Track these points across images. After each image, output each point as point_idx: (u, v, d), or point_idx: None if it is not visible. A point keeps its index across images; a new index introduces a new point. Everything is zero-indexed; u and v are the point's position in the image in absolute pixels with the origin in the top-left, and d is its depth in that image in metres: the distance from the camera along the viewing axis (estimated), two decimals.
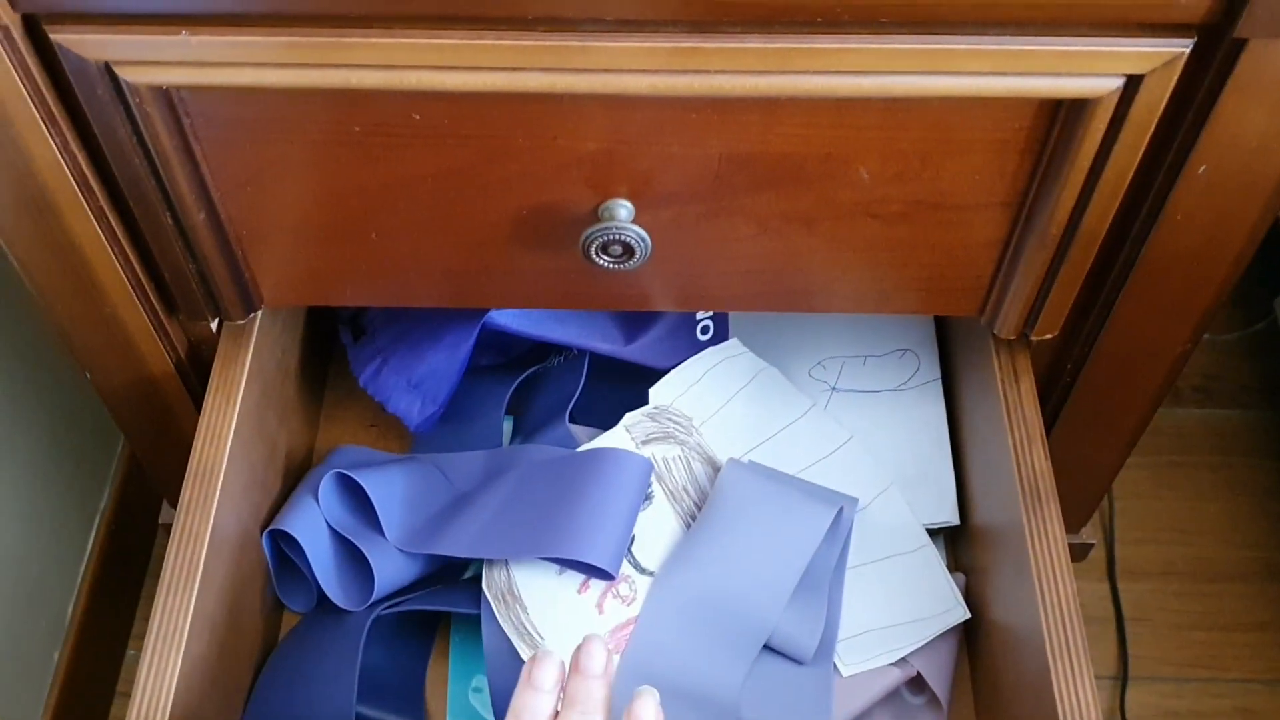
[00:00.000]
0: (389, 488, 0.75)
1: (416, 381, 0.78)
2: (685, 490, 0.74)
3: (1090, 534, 0.94)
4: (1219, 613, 1.08)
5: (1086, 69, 0.52)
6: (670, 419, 0.77)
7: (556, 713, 0.54)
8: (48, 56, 0.54)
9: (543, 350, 0.84)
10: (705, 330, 0.82)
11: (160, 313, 0.68)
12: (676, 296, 0.68)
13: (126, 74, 0.53)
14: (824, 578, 0.71)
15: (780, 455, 0.77)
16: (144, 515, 1.04)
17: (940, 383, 0.82)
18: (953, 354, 0.82)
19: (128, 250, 0.64)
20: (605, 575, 0.70)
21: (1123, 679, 1.04)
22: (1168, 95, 0.53)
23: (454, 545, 0.72)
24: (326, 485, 0.74)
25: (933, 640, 0.73)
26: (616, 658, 0.69)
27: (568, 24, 0.51)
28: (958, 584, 0.75)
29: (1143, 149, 0.56)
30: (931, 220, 0.62)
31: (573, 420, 0.79)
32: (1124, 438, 0.77)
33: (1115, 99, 0.53)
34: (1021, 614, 0.64)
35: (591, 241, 0.60)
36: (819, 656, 0.70)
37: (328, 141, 0.58)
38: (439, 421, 0.80)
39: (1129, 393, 0.72)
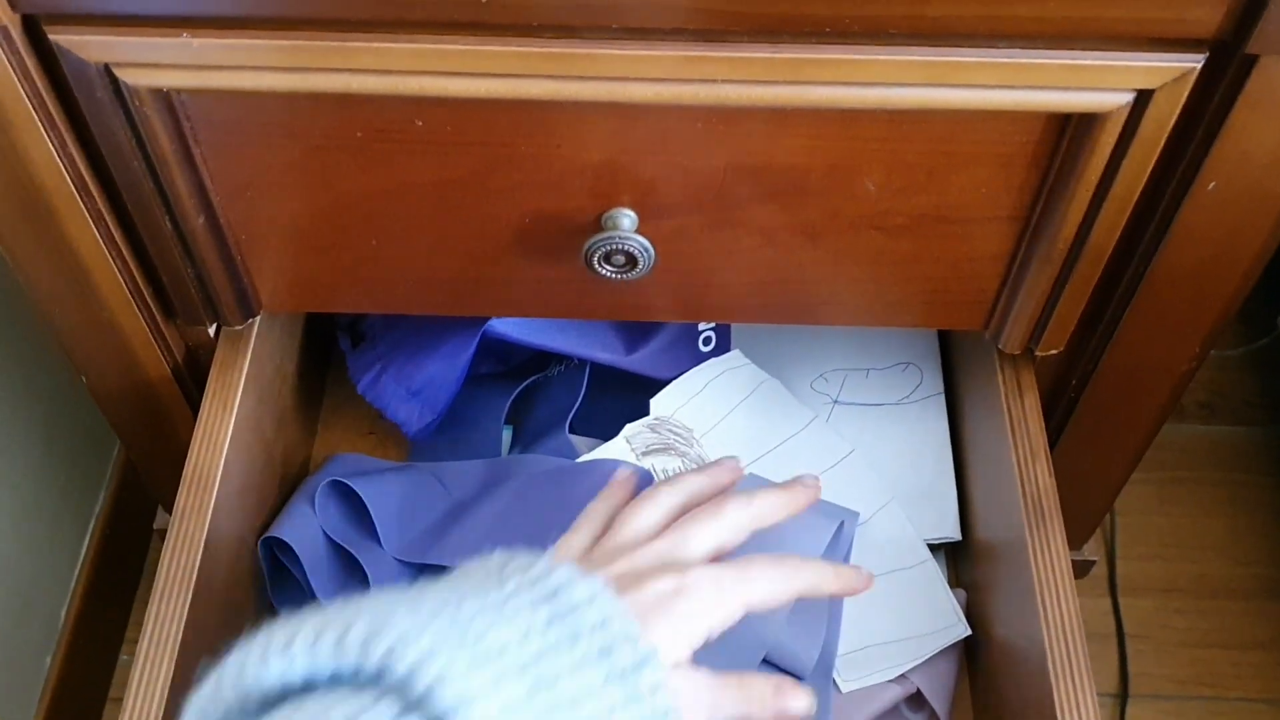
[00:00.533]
0: (386, 496, 0.75)
1: (416, 389, 0.78)
2: None
3: (1092, 550, 0.94)
4: (1221, 630, 1.07)
5: (1096, 83, 0.52)
6: (671, 430, 0.76)
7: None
8: (47, 58, 0.53)
9: (542, 360, 0.83)
10: (707, 341, 0.82)
11: (158, 317, 0.68)
12: (679, 307, 0.67)
13: (126, 76, 0.53)
14: None
15: (781, 468, 0.77)
16: (139, 521, 1.03)
17: (943, 397, 0.81)
18: (956, 368, 0.81)
19: (126, 254, 0.63)
20: None
21: (1123, 696, 1.03)
22: (1178, 111, 0.53)
23: (452, 555, 0.71)
24: (323, 493, 0.74)
25: (933, 657, 0.72)
26: None
27: (573, 31, 0.51)
28: (959, 600, 0.74)
29: (1151, 165, 0.56)
30: (937, 233, 0.61)
31: (573, 431, 0.78)
32: (1128, 454, 0.77)
33: (1124, 114, 0.53)
34: (1024, 630, 0.64)
35: (594, 251, 0.60)
36: (817, 671, 0.70)
37: (329, 147, 0.58)
38: (437, 430, 0.79)
39: (1134, 409, 0.72)
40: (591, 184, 0.59)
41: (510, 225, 0.62)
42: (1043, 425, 0.68)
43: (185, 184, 0.59)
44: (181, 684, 0.60)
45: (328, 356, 0.89)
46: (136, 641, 0.61)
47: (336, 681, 0.41)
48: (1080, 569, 0.95)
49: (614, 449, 0.75)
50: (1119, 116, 0.53)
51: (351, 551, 0.72)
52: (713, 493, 0.59)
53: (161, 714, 0.59)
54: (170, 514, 0.65)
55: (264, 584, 0.74)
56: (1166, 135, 0.54)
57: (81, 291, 0.64)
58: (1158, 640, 1.06)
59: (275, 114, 0.56)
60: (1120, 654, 1.05)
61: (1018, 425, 0.68)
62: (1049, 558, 0.63)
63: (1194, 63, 0.51)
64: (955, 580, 0.78)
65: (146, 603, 0.62)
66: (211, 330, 0.70)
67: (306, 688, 0.41)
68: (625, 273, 0.61)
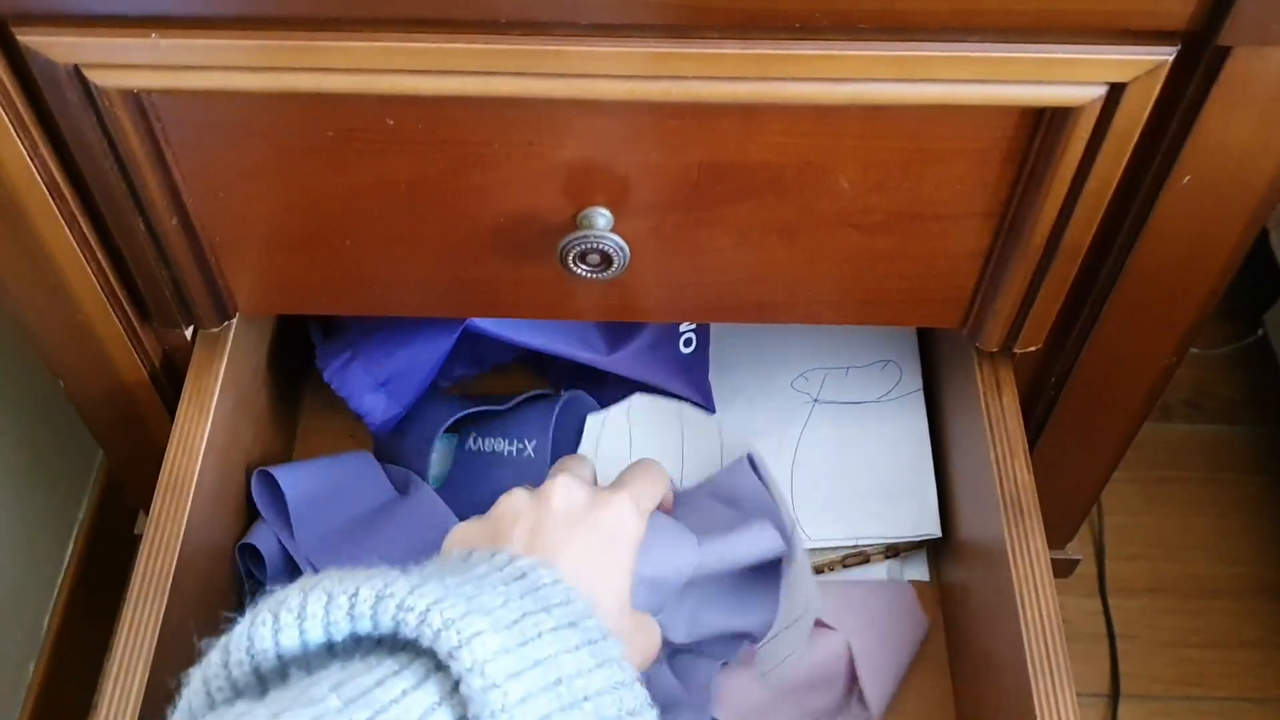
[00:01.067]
0: (309, 485, 0.74)
1: (384, 380, 0.77)
2: None
3: (1077, 549, 0.93)
4: (1209, 630, 1.07)
5: (1068, 77, 0.52)
6: None
7: None
8: (15, 59, 0.53)
9: (524, 365, 0.83)
10: (688, 343, 0.81)
11: (133, 320, 0.67)
12: (656, 307, 0.67)
13: (96, 77, 0.53)
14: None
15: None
16: (122, 527, 1.02)
17: (922, 394, 0.81)
18: (935, 365, 0.81)
19: (100, 257, 0.63)
20: None
21: (1114, 697, 1.03)
22: (1151, 104, 0.53)
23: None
24: (256, 485, 0.73)
25: (882, 646, 0.72)
26: None
27: (541, 28, 0.51)
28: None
29: (1126, 159, 0.55)
30: (913, 231, 0.61)
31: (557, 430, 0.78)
32: (1109, 452, 0.76)
33: (1098, 108, 0.53)
34: (1003, 629, 0.64)
35: (569, 250, 0.59)
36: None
37: (300, 147, 0.57)
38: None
39: (1114, 406, 0.72)
40: (565, 183, 0.59)
41: (484, 225, 0.61)
42: (1021, 423, 0.68)
43: (158, 185, 0.59)
44: (157, 689, 0.60)
45: (306, 360, 0.88)
46: None
47: (358, 643, 0.43)
48: (1065, 568, 0.94)
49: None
50: (1092, 110, 0.53)
51: (283, 541, 0.72)
52: None
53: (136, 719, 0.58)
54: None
55: (241, 589, 0.74)
56: (1140, 128, 0.54)
57: (55, 295, 0.63)
58: (1146, 640, 1.06)
59: (246, 114, 0.56)
60: (1110, 654, 1.05)
61: (996, 423, 0.68)
62: (1028, 556, 0.63)
63: (1166, 55, 0.51)
64: (936, 578, 0.78)
65: None
66: (188, 333, 0.70)
67: (321, 652, 0.43)
68: (600, 272, 0.61)
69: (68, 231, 0.60)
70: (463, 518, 0.61)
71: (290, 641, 0.43)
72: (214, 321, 0.68)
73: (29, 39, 0.51)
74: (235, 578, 0.73)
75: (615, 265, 0.60)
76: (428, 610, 0.42)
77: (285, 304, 0.68)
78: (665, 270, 0.64)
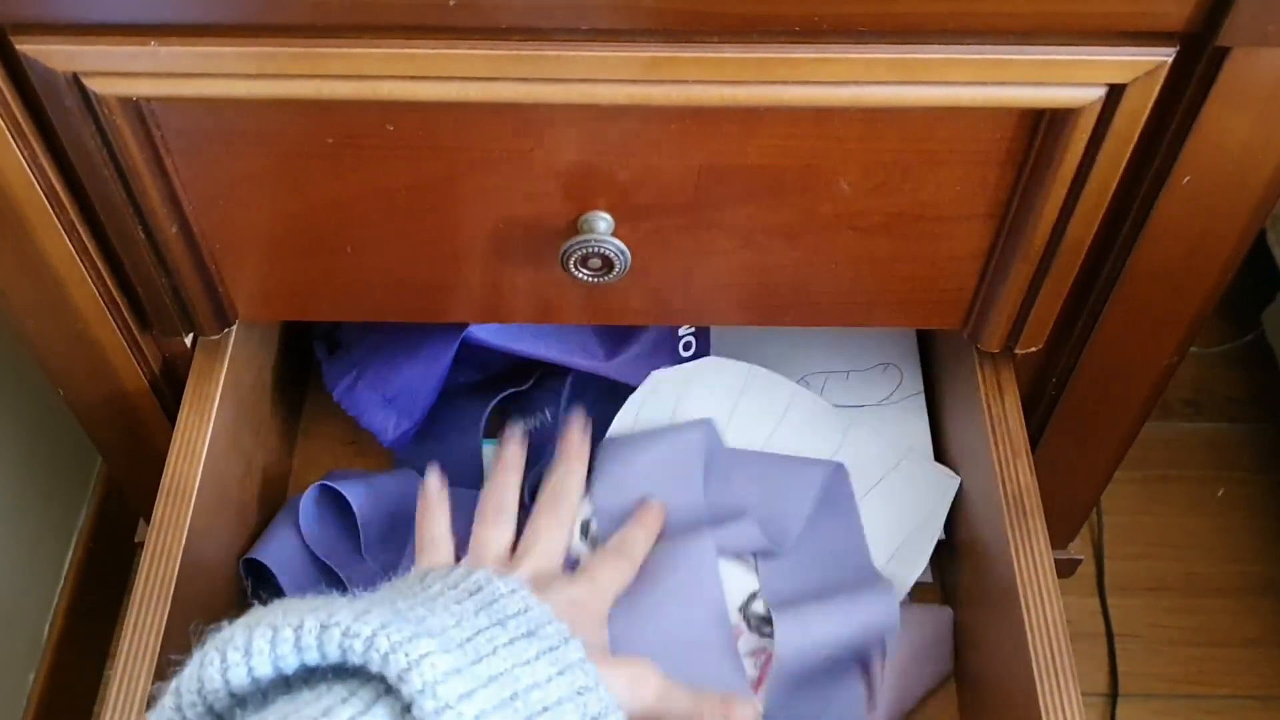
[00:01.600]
0: (375, 501, 0.74)
1: (391, 396, 0.77)
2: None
3: (1079, 549, 0.94)
4: (1210, 628, 1.07)
5: (1068, 78, 0.52)
6: None
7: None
8: (14, 67, 0.53)
9: (523, 370, 0.83)
10: (688, 346, 0.81)
11: (133, 328, 0.67)
12: (657, 310, 0.67)
13: (95, 85, 0.53)
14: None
15: (747, 430, 0.77)
16: (122, 535, 1.03)
17: (923, 396, 0.81)
18: (936, 367, 0.81)
19: (99, 265, 0.63)
20: None
21: (1113, 696, 1.03)
22: (1150, 105, 0.53)
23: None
24: (308, 501, 0.73)
25: (908, 668, 0.72)
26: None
27: (541, 34, 0.51)
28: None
29: (1126, 159, 0.55)
30: (913, 232, 0.61)
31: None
32: (1111, 451, 0.76)
33: (1097, 109, 0.53)
34: (1006, 631, 0.64)
35: (570, 254, 0.60)
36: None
37: (300, 153, 0.57)
38: (416, 440, 0.79)
39: (1115, 406, 0.72)
40: (566, 187, 0.59)
41: (485, 230, 0.61)
42: (1023, 423, 0.68)
43: (157, 193, 0.58)
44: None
45: (307, 366, 0.88)
46: None
47: (311, 674, 0.43)
48: (1067, 568, 0.94)
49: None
50: (1092, 111, 0.53)
51: (334, 568, 0.72)
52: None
53: None
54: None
55: (244, 597, 0.74)
56: (1140, 129, 0.54)
57: (55, 304, 0.63)
58: (1147, 639, 1.06)
59: (246, 121, 0.56)
60: (1110, 653, 1.05)
61: (998, 424, 0.68)
62: (1031, 557, 0.63)
63: (1165, 56, 0.51)
64: (939, 579, 0.78)
65: None
66: (188, 341, 0.70)
67: (274, 685, 0.43)
68: (602, 276, 0.61)
69: (67, 240, 0.60)
70: None
71: (240, 679, 0.42)
72: (214, 329, 0.68)
73: (28, 48, 0.51)
74: (236, 583, 0.73)
75: (616, 269, 0.60)
76: (373, 636, 0.42)
77: (286, 310, 0.67)
78: (666, 274, 0.64)
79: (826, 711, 0.69)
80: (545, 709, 0.44)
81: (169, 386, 0.72)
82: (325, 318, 0.69)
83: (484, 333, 0.76)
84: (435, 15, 0.50)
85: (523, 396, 0.82)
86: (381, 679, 0.42)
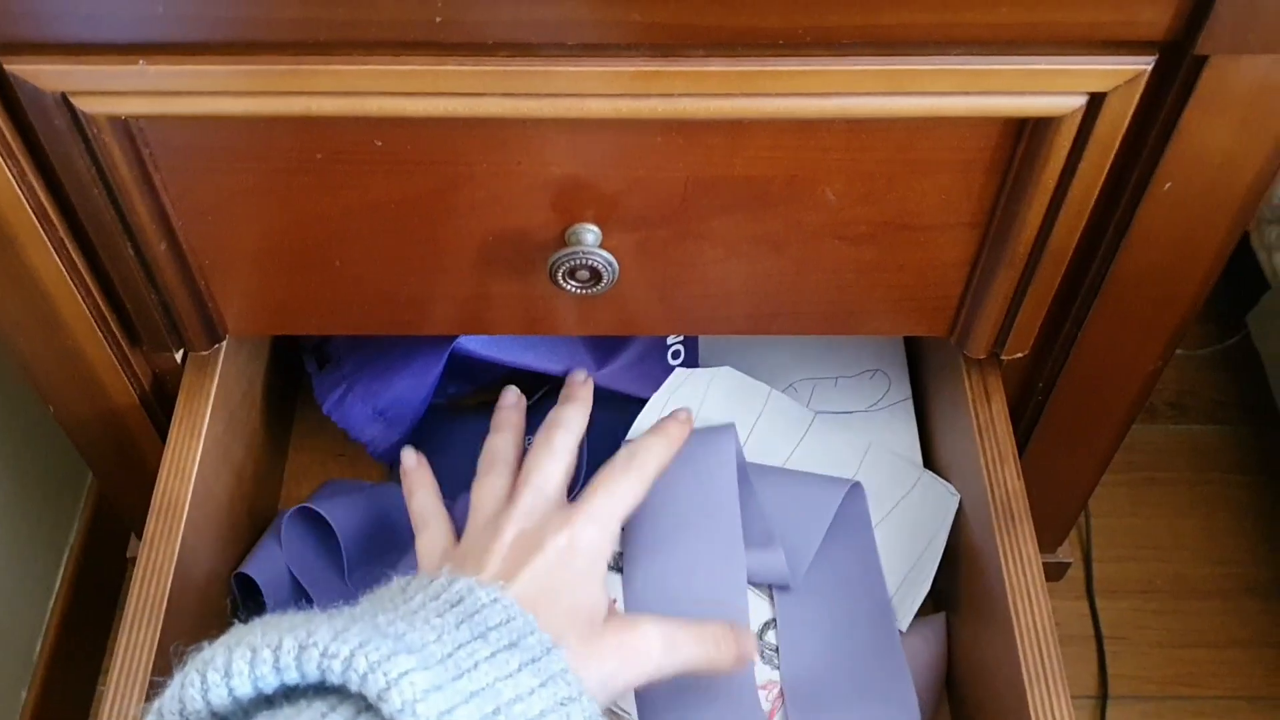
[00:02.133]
0: (359, 518, 0.74)
1: (382, 408, 0.78)
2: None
3: (1067, 553, 0.94)
4: (1199, 630, 1.07)
5: (1049, 87, 0.52)
6: None
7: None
8: (3, 88, 0.53)
9: (516, 383, 0.83)
10: (676, 355, 0.82)
11: (123, 344, 0.67)
12: (646, 321, 0.68)
13: (83, 104, 0.53)
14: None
15: (764, 451, 0.77)
16: (113, 550, 1.02)
17: (911, 402, 0.81)
18: (923, 374, 0.82)
19: (89, 281, 0.63)
20: None
21: (1103, 699, 1.03)
22: (1131, 113, 0.53)
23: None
24: (289, 521, 0.73)
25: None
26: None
27: (528, 49, 0.51)
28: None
29: (1107, 167, 0.56)
30: (899, 241, 0.61)
31: None
32: (1098, 455, 0.77)
33: (1078, 117, 0.53)
34: (996, 635, 0.64)
35: (558, 266, 0.60)
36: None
37: (289, 170, 0.58)
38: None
39: (1101, 410, 0.72)
40: (553, 200, 0.59)
41: (474, 243, 0.62)
42: (1010, 429, 0.69)
43: (146, 210, 0.59)
44: None
45: (297, 379, 0.88)
46: None
47: (292, 690, 0.43)
48: (1056, 571, 0.95)
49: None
50: (1073, 120, 0.53)
51: (307, 589, 0.72)
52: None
53: None
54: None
55: (237, 611, 0.74)
56: (1121, 137, 0.55)
57: (45, 320, 0.63)
58: (1135, 641, 1.07)
59: (234, 138, 0.56)
60: (1099, 656, 1.05)
61: (985, 429, 0.68)
62: (1020, 561, 0.64)
63: (1145, 64, 0.52)
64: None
65: None
66: (178, 356, 0.70)
67: (255, 702, 0.43)
68: (590, 288, 0.61)
69: (56, 257, 0.60)
70: None
71: (221, 700, 0.43)
72: (204, 344, 0.68)
73: (16, 67, 0.51)
74: (230, 598, 0.73)
75: (604, 280, 0.60)
76: (351, 656, 0.42)
77: (275, 325, 0.68)
78: (654, 284, 0.64)
79: None
80: None
81: (159, 402, 0.72)
82: (315, 332, 0.69)
83: (473, 344, 0.76)
84: (422, 32, 0.50)
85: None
86: (362, 695, 0.42)
